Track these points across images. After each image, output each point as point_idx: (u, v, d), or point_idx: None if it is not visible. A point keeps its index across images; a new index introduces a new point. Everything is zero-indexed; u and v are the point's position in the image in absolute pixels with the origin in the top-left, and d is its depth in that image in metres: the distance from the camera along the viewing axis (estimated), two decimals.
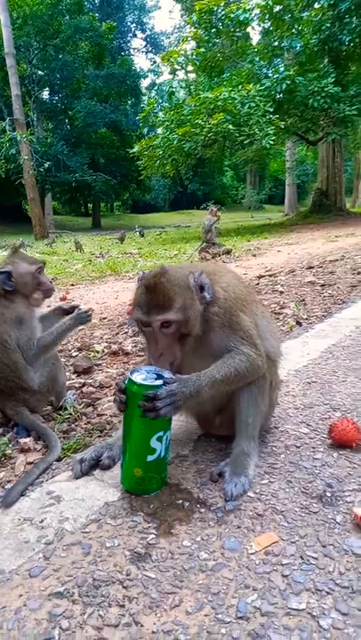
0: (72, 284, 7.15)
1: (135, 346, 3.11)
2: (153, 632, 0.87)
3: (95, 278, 7.66)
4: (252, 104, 15.05)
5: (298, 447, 1.50)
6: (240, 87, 15.52)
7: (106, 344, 3.30)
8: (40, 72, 27.39)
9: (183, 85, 17.76)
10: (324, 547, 1.06)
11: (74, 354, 3.18)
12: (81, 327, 4.04)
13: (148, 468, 1.27)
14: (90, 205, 36.85)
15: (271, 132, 14.94)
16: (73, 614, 0.92)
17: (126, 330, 3.71)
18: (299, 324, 3.32)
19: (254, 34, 25.18)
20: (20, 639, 0.87)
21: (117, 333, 3.71)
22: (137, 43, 42.60)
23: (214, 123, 14.71)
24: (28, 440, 1.75)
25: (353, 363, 2.23)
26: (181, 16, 36.49)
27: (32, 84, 26.73)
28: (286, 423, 1.67)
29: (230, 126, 14.68)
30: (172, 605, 0.93)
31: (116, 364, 2.80)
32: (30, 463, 1.62)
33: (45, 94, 30.35)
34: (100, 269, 8.40)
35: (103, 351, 3.08)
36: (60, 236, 17.87)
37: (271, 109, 15.19)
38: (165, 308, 1.27)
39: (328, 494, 1.25)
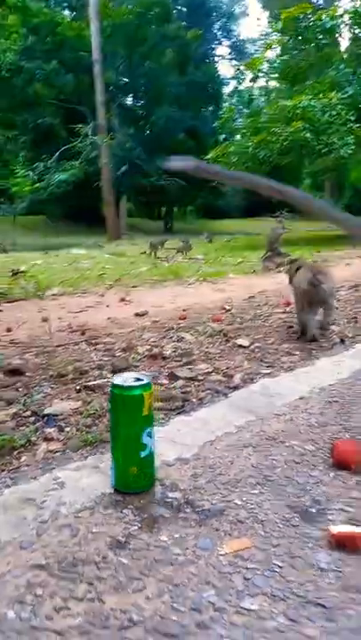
0: (133, 286, 7.32)
1: (175, 351, 3.21)
2: (111, 609, 0.97)
3: (157, 281, 7.80)
4: (333, 112, 14.78)
5: (297, 463, 1.53)
6: (322, 95, 15.27)
7: (149, 346, 3.42)
8: (125, 79, 28.39)
9: (263, 93, 17.73)
10: (292, 558, 1.11)
11: (117, 354, 3.33)
12: (131, 329, 4.22)
13: (142, 465, 1.37)
14: (163, 209, 37.60)
15: (351, 141, 14.60)
16: (48, 584, 1.03)
17: (172, 334, 3.81)
18: (342, 341, 3.28)
19: (343, 40, 24.59)
20: None
21: (164, 337, 3.81)
22: (222, 50, 43.08)
23: (291, 131, 14.59)
24: (52, 430, 1.91)
25: None
26: (269, 22, 36.40)
27: (117, 91, 27.75)
28: (294, 439, 1.70)
29: (308, 135, 14.50)
30: (135, 589, 1.02)
31: (152, 366, 2.91)
32: (51, 451, 1.77)
33: (128, 100, 31.38)
34: (162, 273, 8.57)
35: (144, 353, 3.21)
36: (131, 238, 18.42)
37: (353, 118, 14.83)
38: None
39: (313, 510, 1.28)
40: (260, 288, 6.59)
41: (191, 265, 10.16)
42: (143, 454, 1.37)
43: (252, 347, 3.26)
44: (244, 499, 1.34)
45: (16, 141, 25.96)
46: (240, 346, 3.31)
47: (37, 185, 19.25)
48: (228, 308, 4.98)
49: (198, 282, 7.64)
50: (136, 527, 1.22)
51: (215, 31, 40.21)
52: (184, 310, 5.03)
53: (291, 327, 3.80)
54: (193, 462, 1.55)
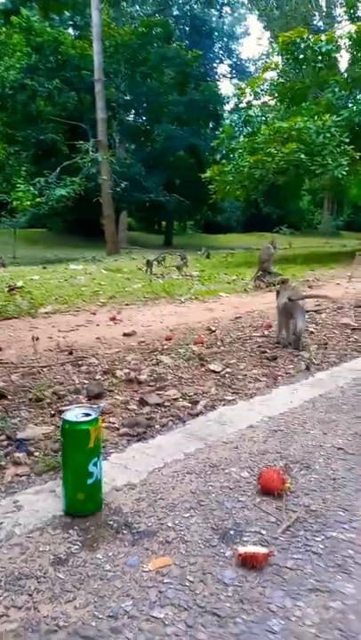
0: (126, 304, 7.47)
1: (150, 375, 3.40)
2: (44, 616, 1.16)
3: (149, 299, 7.98)
4: (328, 134, 15.11)
5: (231, 489, 1.73)
6: (316, 117, 15.63)
7: (128, 370, 3.61)
8: (126, 97, 28.99)
9: (259, 113, 18.12)
10: (203, 574, 1.30)
11: (97, 376, 3.52)
12: (117, 350, 4.41)
13: (88, 491, 1.57)
14: (163, 223, 38.12)
15: (345, 162, 14.90)
16: None
17: (153, 357, 4.00)
18: (307, 368, 3.48)
19: (342, 62, 25.07)
20: None
21: (145, 359, 4.00)
22: (222, 69, 43.99)
23: (286, 152, 14.91)
24: (21, 454, 2.11)
25: (327, 415, 2.40)
26: (270, 43, 37.18)
27: (118, 108, 28.32)
28: (233, 466, 1.90)
29: (302, 155, 14.81)
30: (66, 600, 1.22)
31: (126, 391, 3.11)
32: (18, 475, 1.97)
33: (129, 117, 32.00)
34: (155, 291, 8.75)
35: (121, 377, 3.40)
36: (129, 253, 18.73)
37: (347, 140, 15.17)
38: None
39: (232, 532, 1.48)
40: (249, 308, 6.81)
41: (185, 282, 10.37)
42: (90, 481, 1.57)
43: (223, 372, 3.46)
44: (176, 521, 1.54)
45: (18, 156, 26.43)
46: (213, 371, 3.51)
47: (38, 200, 19.61)
48: (213, 328, 5.18)
49: (190, 300, 7.85)
50: (78, 546, 1.42)
51: (217, 50, 41.01)
52: (171, 330, 5.23)
53: (264, 352, 4.00)
54: (139, 487, 1.75)
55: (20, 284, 9.35)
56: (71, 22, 32.08)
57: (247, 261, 16.47)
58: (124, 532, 1.49)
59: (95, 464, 1.58)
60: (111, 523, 1.54)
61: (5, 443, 2.28)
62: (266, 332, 4.88)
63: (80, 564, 1.35)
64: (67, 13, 29.45)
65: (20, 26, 24.03)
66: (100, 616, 1.16)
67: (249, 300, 7.85)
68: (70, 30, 31.85)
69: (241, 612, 1.17)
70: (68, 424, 1.57)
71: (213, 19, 39.62)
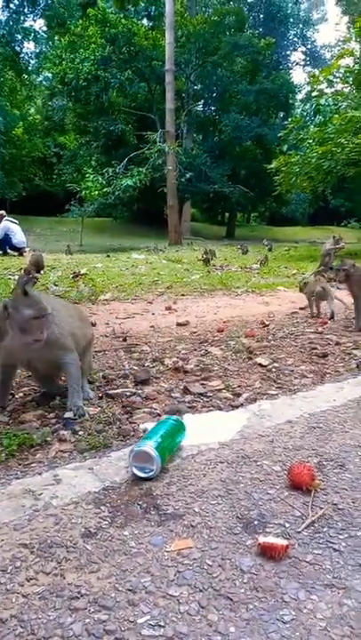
0: (182, 295, 7.55)
1: (197, 365, 3.45)
2: (68, 583, 1.25)
3: (205, 291, 8.02)
4: None
5: (261, 481, 1.75)
6: None
7: (176, 359, 3.67)
8: (196, 87, 28.96)
9: (331, 102, 17.51)
10: (222, 559, 1.34)
11: (147, 363, 3.61)
12: (168, 339, 4.48)
13: None
14: (227, 215, 37.90)
15: None
16: (27, 559, 1.33)
17: (202, 348, 4.05)
18: (358, 367, 3.40)
19: None
20: None
21: (195, 349, 4.05)
22: (296, 56, 42.75)
23: (358, 142, 14.38)
24: (67, 432, 2.22)
25: None
26: (348, 28, 35.68)
27: (187, 98, 28.36)
28: (266, 459, 1.91)
29: None
30: (90, 570, 1.30)
31: (172, 379, 3.18)
32: (62, 451, 2.08)
33: (198, 107, 31.94)
34: (212, 282, 8.77)
35: (169, 365, 3.47)
36: (190, 244, 18.79)
37: None
38: None
39: (255, 523, 1.50)
40: (306, 303, 6.68)
41: (244, 275, 10.31)
42: None
43: (270, 366, 3.45)
44: (203, 507, 1.58)
45: (88, 147, 27.16)
46: (260, 364, 3.50)
47: (106, 189, 20.10)
48: (267, 322, 5.14)
49: (246, 293, 7.81)
50: (107, 522, 1.50)
51: (291, 37, 39.91)
52: (224, 322, 5.25)
53: (315, 349, 3.94)
54: (171, 472, 1.81)
55: (83, 271, 9.65)
56: (145, 13, 32.34)
57: (310, 255, 16.07)
58: (152, 512, 1.56)
59: None
60: (141, 503, 1.61)
61: (54, 420, 2.41)
62: (320, 329, 4.79)
63: (107, 538, 1.43)
64: (142, 4, 29.71)
65: (95, 18, 24.54)
66: (120, 588, 1.23)
67: None
68: (144, 21, 32.12)
69: (254, 599, 1.20)
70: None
71: (289, 5, 38.51)
